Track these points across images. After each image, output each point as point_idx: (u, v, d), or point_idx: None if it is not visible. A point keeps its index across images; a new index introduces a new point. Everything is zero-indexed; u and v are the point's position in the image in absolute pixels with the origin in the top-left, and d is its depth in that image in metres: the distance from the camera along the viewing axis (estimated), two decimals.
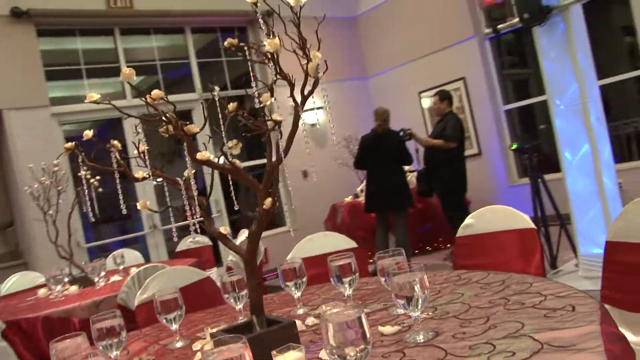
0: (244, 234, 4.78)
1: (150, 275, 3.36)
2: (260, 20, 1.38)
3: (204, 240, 5.58)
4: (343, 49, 9.56)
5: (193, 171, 1.63)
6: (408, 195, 6.36)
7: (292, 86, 1.38)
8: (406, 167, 6.63)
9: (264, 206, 1.47)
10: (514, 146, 5.11)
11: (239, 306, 1.90)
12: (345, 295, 1.80)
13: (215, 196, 8.32)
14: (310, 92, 1.42)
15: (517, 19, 4.49)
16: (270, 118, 1.40)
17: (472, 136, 8.39)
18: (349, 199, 8.13)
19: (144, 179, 1.62)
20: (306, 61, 1.37)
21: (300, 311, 1.93)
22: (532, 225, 2.42)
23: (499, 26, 4.66)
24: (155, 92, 1.41)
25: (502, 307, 1.52)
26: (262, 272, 4.29)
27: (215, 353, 1.04)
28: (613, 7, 8.47)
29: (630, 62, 7.80)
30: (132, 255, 5.44)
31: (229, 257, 3.98)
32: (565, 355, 1.12)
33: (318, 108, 8.52)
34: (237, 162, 1.49)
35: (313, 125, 9.06)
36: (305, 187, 8.38)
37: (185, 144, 1.40)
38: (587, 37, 4.57)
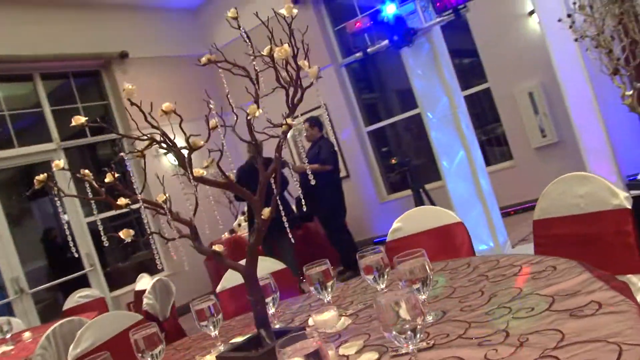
0: (143, 278, 4.60)
1: (66, 331, 3.14)
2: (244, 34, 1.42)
3: (94, 293, 5.25)
4: (204, 87, 9.56)
5: (166, 195, 1.61)
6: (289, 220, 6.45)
7: (288, 93, 1.43)
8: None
9: (262, 216, 1.49)
10: (395, 161, 5.45)
11: (215, 332, 1.85)
12: (326, 301, 1.84)
13: (87, 250, 7.84)
14: (300, 100, 1.48)
15: (385, 41, 4.83)
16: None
17: (339, 159, 8.74)
18: (226, 235, 8.06)
19: (127, 205, 1.56)
20: (296, 71, 1.43)
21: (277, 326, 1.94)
22: (458, 219, 2.62)
23: (369, 49, 4.97)
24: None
25: (487, 281, 1.66)
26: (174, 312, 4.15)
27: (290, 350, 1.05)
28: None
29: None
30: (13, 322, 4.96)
31: (145, 301, 3.81)
32: (581, 298, 1.27)
33: (183, 148, 8.41)
34: (231, 176, 1.51)
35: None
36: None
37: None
38: (448, 55, 5.04)
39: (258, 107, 1.47)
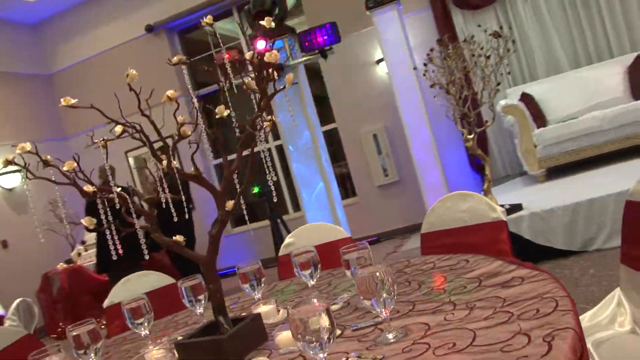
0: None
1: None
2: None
3: None
4: (38, 108, 9.01)
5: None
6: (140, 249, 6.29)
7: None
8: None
9: (226, 208, 1.57)
10: (256, 190, 5.59)
11: (146, 331, 1.85)
12: (256, 297, 1.92)
13: None
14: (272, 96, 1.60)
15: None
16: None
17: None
18: (62, 265, 7.54)
19: (94, 193, 1.55)
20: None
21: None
22: (348, 234, 2.83)
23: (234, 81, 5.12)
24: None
25: (408, 275, 1.86)
26: None
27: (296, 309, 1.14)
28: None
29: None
30: None
31: (7, 323, 3.49)
32: (503, 276, 1.52)
33: (15, 171, 7.84)
34: (200, 168, 1.58)
35: (11, 190, 8.24)
36: (5, 259, 7.54)
37: None
38: (310, 92, 5.36)
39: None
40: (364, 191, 7.64)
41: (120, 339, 2.20)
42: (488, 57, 4.58)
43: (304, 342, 1.10)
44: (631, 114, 5.57)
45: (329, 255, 2.82)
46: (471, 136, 5.02)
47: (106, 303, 2.90)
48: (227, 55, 5.26)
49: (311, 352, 1.11)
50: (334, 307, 1.70)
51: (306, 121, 5.17)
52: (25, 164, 1.46)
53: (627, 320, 1.92)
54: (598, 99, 6.08)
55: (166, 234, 1.60)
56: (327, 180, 5.21)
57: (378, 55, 7.18)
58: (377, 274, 1.30)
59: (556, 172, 5.87)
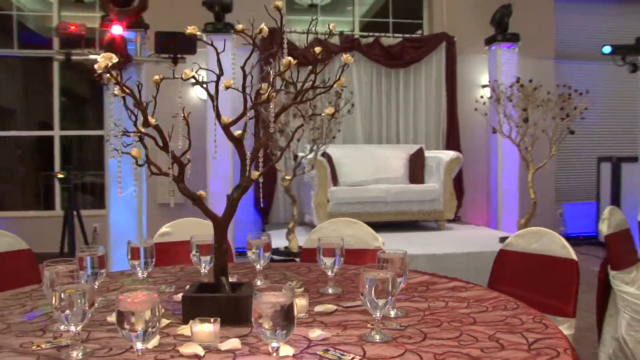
0: None
1: None
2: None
3: None
4: None
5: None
6: None
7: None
8: None
9: (251, 176, 1.63)
10: (62, 175, 5.13)
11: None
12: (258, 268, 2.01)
13: None
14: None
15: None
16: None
17: None
18: None
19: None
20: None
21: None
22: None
23: (73, 57, 4.77)
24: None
25: (346, 276, 2.07)
26: None
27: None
28: None
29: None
30: None
31: None
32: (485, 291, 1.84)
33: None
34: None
35: None
36: None
37: None
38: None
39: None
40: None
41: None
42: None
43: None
44: (407, 194, 6.55)
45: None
46: (289, 177, 5.39)
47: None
48: (73, 27, 4.93)
49: None
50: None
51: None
52: None
53: None
54: (383, 175, 6.97)
55: None
56: (140, 180, 5.07)
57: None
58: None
59: None
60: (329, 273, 1.88)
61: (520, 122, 5.25)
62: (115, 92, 1.51)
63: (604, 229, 3.03)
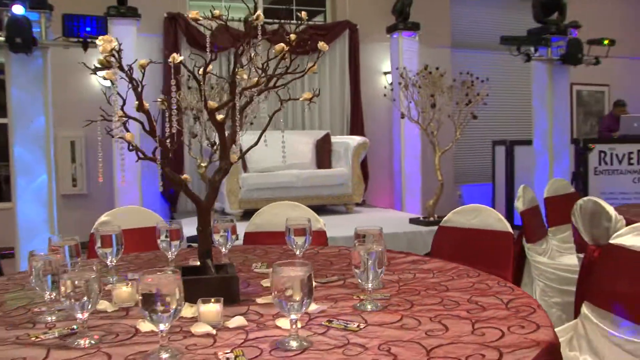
0: None
1: None
2: None
3: None
4: None
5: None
6: None
7: None
8: None
9: (230, 160, 1.68)
10: None
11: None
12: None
13: None
14: None
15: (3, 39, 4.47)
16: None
17: None
18: None
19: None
20: None
21: None
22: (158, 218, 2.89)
23: None
24: None
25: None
26: None
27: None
28: None
29: None
30: None
31: None
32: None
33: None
34: None
35: None
36: None
37: None
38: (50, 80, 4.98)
39: None
40: None
41: None
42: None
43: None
44: (317, 179, 6.70)
45: (150, 240, 2.83)
46: (204, 164, 5.36)
47: None
48: None
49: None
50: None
51: (44, 107, 4.78)
52: None
53: None
54: (292, 160, 7.08)
55: None
56: (50, 173, 4.85)
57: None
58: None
59: (252, 214, 6.55)
60: (297, 252, 1.95)
61: (427, 108, 5.54)
62: (105, 76, 1.49)
63: (520, 205, 3.33)
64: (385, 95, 6.78)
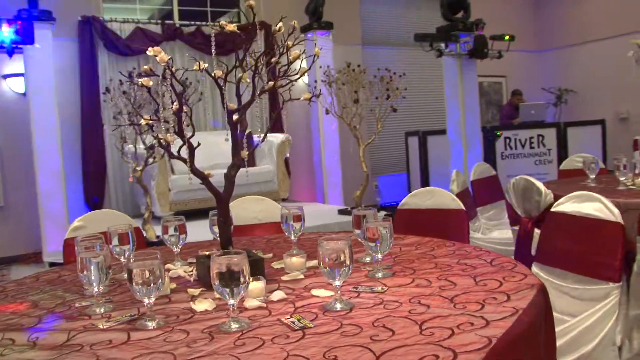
0: None
1: None
2: None
3: None
4: None
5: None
6: None
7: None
8: None
9: (241, 156, 1.89)
10: None
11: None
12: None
13: None
14: None
15: None
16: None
17: None
18: None
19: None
20: None
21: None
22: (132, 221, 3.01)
23: None
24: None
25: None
26: None
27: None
28: None
29: None
30: None
31: None
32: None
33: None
34: None
35: None
36: None
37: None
38: None
39: None
40: None
41: None
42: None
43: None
44: (244, 177, 6.86)
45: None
46: (140, 168, 5.41)
47: None
48: None
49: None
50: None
51: None
52: None
53: None
54: (217, 160, 7.20)
55: None
56: None
57: (7, 70, 6.76)
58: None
59: (184, 215, 6.62)
60: (293, 237, 2.19)
61: (351, 103, 5.88)
62: (143, 82, 1.65)
63: (455, 188, 3.71)
64: (310, 100, 7.04)
